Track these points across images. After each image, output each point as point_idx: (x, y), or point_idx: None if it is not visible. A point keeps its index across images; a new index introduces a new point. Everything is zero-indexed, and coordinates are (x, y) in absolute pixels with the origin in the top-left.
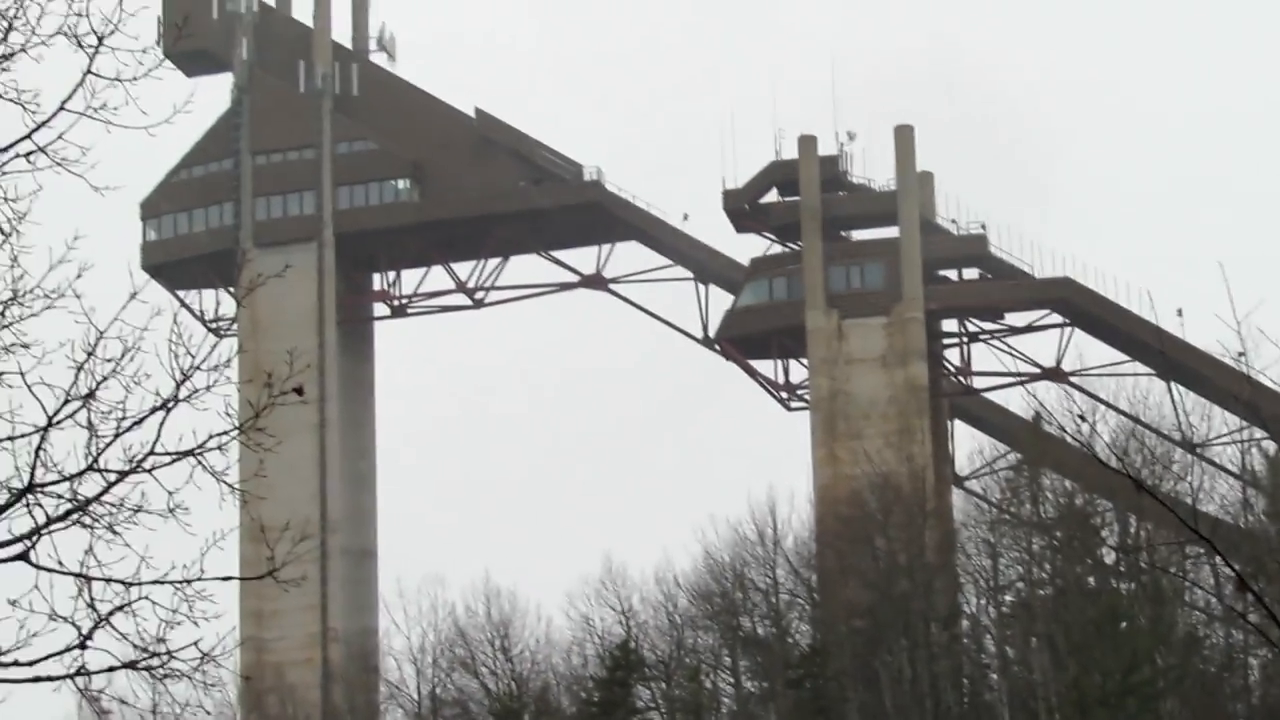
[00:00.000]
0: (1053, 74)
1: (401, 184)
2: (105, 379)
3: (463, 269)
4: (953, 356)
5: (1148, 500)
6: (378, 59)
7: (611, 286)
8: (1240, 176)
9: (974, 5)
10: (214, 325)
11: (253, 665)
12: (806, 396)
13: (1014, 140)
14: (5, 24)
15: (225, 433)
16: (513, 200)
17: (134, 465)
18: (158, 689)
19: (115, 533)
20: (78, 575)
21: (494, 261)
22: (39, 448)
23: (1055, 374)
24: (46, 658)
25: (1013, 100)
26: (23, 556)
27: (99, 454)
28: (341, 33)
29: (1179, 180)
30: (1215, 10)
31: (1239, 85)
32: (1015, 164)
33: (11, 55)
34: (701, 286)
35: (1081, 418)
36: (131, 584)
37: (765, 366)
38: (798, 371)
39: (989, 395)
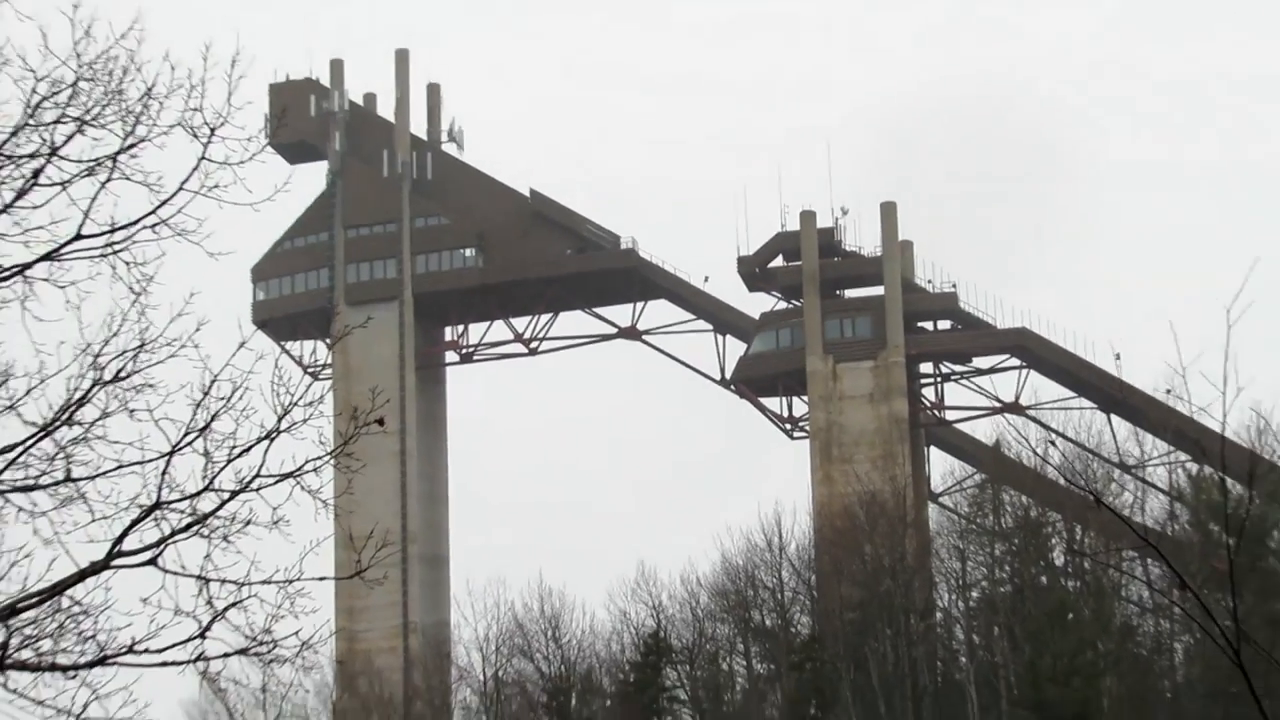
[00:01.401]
0: (1037, 135)
1: (468, 252)
2: (218, 414)
3: (520, 323)
4: (929, 394)
5: (1091, 512)
6: (449, 148)
7: (644, 337)
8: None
9: (958, 83)
10: (311, 370)
11: (345, 652)
12: (807, 427)
13: (991, 207)
14: (134, 118)
15: (320, 458)
16: (561, 266)
17: (244, 486)
18: (266, 672)
19: (229, 542)
20: (198, 577)
21: (545, 317)
22: (164, 471)
23: (1014, 408)
24: (172, 646)
25: (991, 167)
26: (152, 562)
27: (214, 476)
28: (418, 126)
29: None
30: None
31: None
32: (989, 228)
33: (138, 144)
34: (719, 337)
35: (1052, 442)
36: (243, 584)
37: (773, 403)
38: (799, 407)
39: (959, 426)
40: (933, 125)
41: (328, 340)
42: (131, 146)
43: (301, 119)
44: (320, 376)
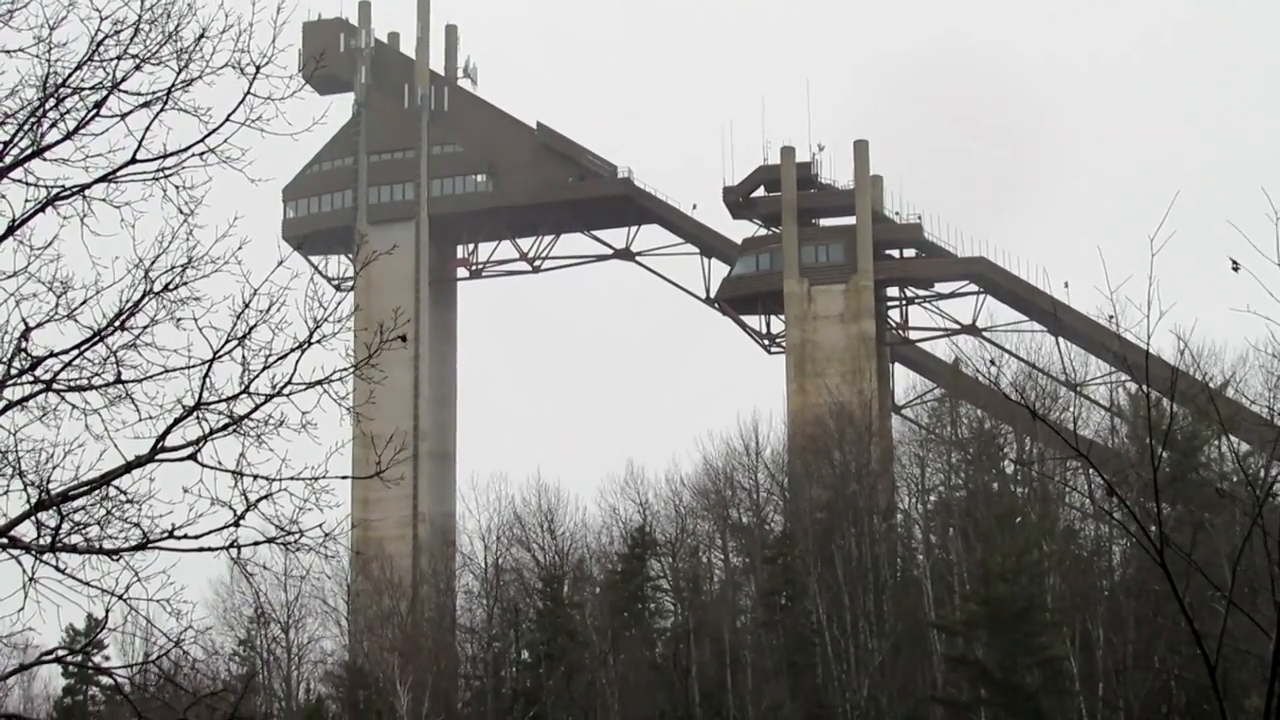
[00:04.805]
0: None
1: (480, 178)
2: (256, 325)
3: (525, 243)
4: (894, 315)
5: (1039, 425)
6: (464, 84)
7: (637, 258)
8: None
9: (939, 29)
10: (336, 283)
11: (360, 540)
12: (783, 344)
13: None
14: (187, 57)
15: (347, 369)
16: (563, 192)
17: (277, 391)
18: (290, 559)
19: (262, 441)
20: (233, 472)
21: (548, 238)
22: (205, 375)
23: (971, 330)
24: (208, 533)
25: (954, 108)
26: (192, 457)
27: (250, 382)
28: (437, 63)
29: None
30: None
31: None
32: (958, 165)
33: (191, 82)
34: (705, 259)
35: (992, 363)
36: (273, 479)
37: (753, 321)
38: (777, 325)
39: (921, 345)
40: (913, 68)
41: (350, 255)
42: (188, 84)
43: (331, 55)
44: (344, 288)
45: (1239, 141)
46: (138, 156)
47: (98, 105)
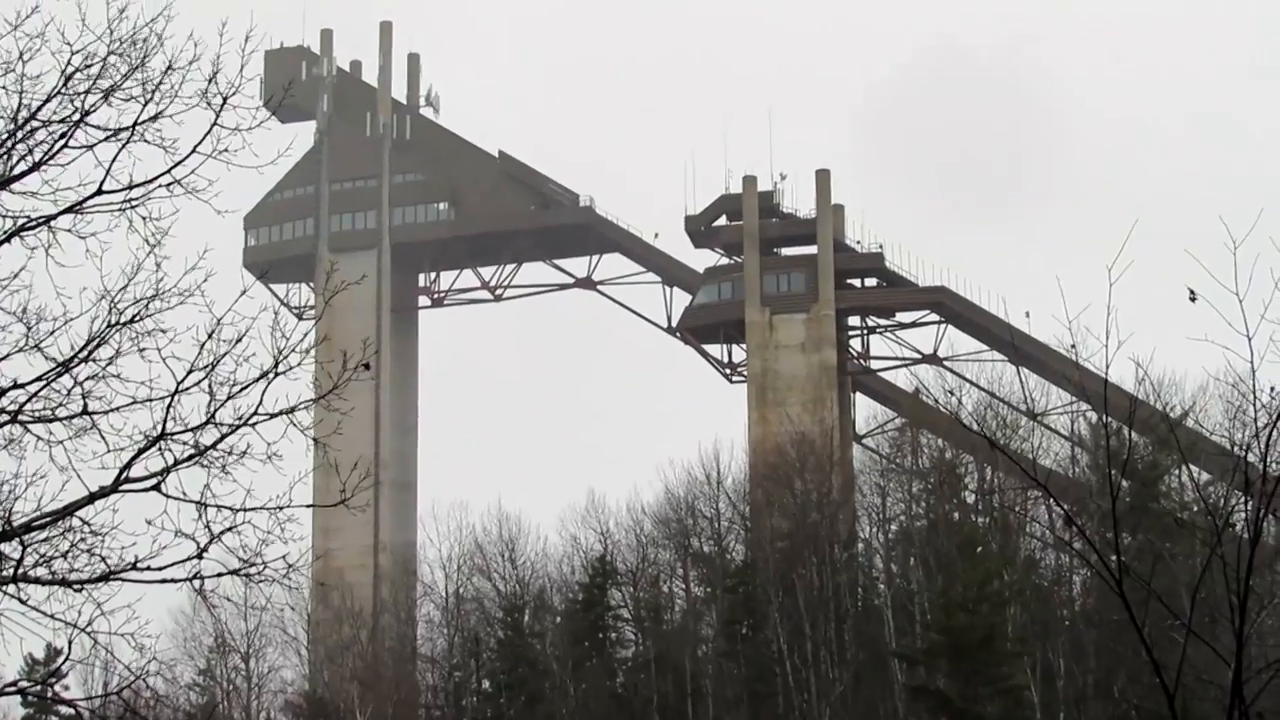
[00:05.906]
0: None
1: (442, 206)
2: (222, 357)
3: (486, 271)
4: (855, 344)
5: (999, 455)
6: (426, 112)
7: (599, 287)
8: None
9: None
10: (298, 312)
11: (320, 569)
12: (745, 373)
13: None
14: (154, 89)
15: (313, 399)
16: (525, 220)
17: (243, 421)
18: (253, 589)
19: (226, 471)
20: (197, 503)
21: (510, 266)
22: (169, 406)
23: (932, 359)
24: (172, 565)
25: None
26: (156, 488)
27: (215, 412)
28: (399, 92)
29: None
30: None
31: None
32: (923, 194)
33: (159, 115)
34: (667, 288)
35: (951, 393)
36: (238, 510)
37: (714, 350)
38: (738, 354)
39: (882, 374)
40: (876, 98)
41: (311, 283)
42: (155, 116)
43: (293, 83)
44: (305, 316)
45: (1198, 171)
46: (104, 187)
47: (64, 137)
